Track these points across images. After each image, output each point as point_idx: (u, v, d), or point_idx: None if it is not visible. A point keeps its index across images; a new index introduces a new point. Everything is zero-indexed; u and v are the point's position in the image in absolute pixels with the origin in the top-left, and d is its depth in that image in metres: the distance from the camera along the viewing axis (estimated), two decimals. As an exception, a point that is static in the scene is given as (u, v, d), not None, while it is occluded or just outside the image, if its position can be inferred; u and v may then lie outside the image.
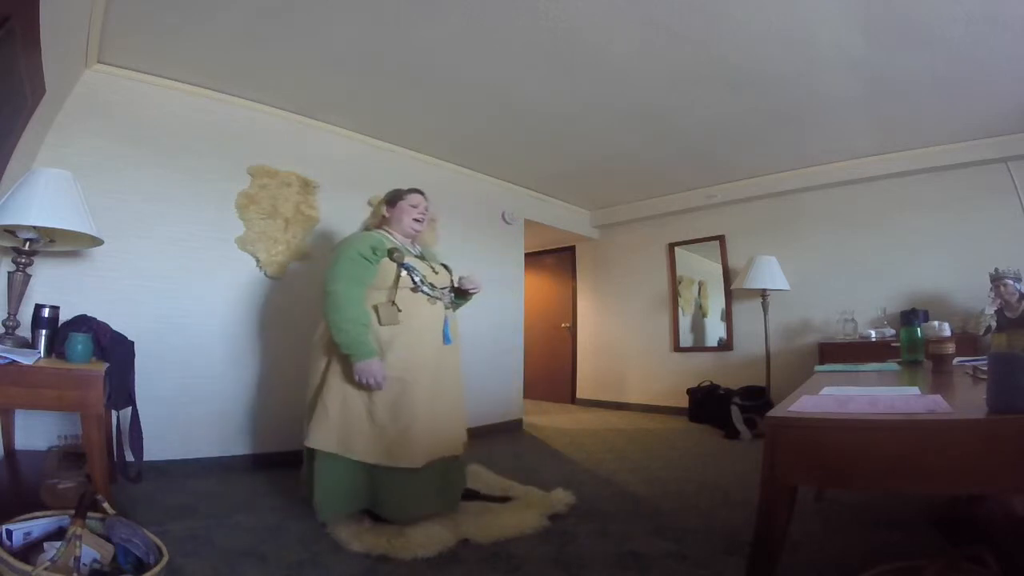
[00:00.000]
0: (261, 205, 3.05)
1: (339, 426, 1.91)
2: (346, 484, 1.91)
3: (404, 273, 1.99)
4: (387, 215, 2.19)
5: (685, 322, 5.15)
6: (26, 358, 1.61)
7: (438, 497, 1.99)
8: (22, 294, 1.93)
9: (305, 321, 3.19)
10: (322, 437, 1.90)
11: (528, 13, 2.33)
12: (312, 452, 1.96)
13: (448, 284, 2.19)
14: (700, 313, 5.13)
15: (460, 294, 2.29)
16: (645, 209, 5.33)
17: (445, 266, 2.26)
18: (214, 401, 2.83)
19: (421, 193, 2.24)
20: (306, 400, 2.09)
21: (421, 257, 2.18)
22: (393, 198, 2.21)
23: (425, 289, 2.03)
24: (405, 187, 2.26)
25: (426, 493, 1.94)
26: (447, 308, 2.12)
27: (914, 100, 3.10)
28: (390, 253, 2.00)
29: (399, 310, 1.96)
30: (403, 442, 1.89)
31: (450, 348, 2.10)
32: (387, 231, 2.18)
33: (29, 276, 1.96)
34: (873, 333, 3.73)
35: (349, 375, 1.92)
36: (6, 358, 1.56)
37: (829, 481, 1.26)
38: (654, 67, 2.78)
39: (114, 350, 2.03)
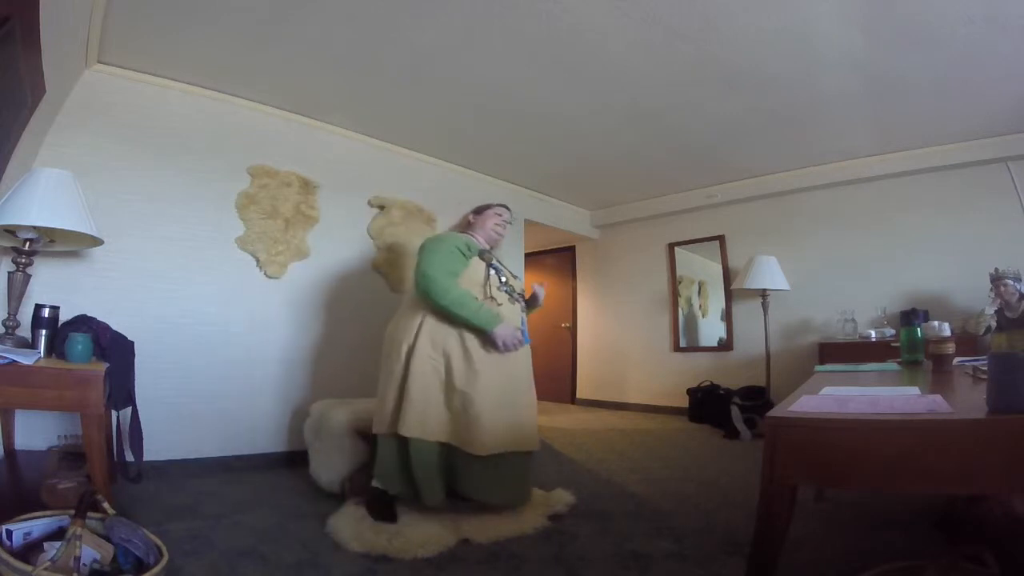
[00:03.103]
0: (261, 205, 3.05)
1: (419, 412, 1.98)
2: (436, 466, 1.98)
3: (492, 273, 2.14)
4: (472, 221, 2.36)
5: (685, 322, 5.15)
6: (26, 358, 1.61)
7: (506, 489, 2.05)
8: (22, 294, 1.93)
9: (305, 320, 3.21)
10: (408, 423, 1.96)
11: (528, 13, 2.33)
12: (398, 441, 2.01)
13: (522, 290, 2.34)
14: (700, 313, 5.13)
15: (527, 305, 2.43)
16: (645, 209, 5.33)
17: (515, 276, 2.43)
18: (214, 401, 2.82)
19: (508, 208, 2.42)
20: (378, 391, 2.14)
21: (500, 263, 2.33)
22: (481, 208, 2.39)
23: (507, 289, 2.17)
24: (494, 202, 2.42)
25: (495, 482, 2.00)
26: (523, 311, 2.26)
27: (914, 100, 3.10)
28: (481, 253, 2.16)
29: (499, 304, 2.11)
30: (472, 431, 1.96)
31: (524, 347, 2.22)
32: (472, 235, 2.32)
33: (29, 276, 1.96)
34: (873, 333, 3.73)
35: (432, 365, 2.02)
36: (6, 358, 1.56)
37: (829, 481, 1.26)
38: (654, 66, 2.78)
39: (114, 350, 2.03)
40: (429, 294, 2.01)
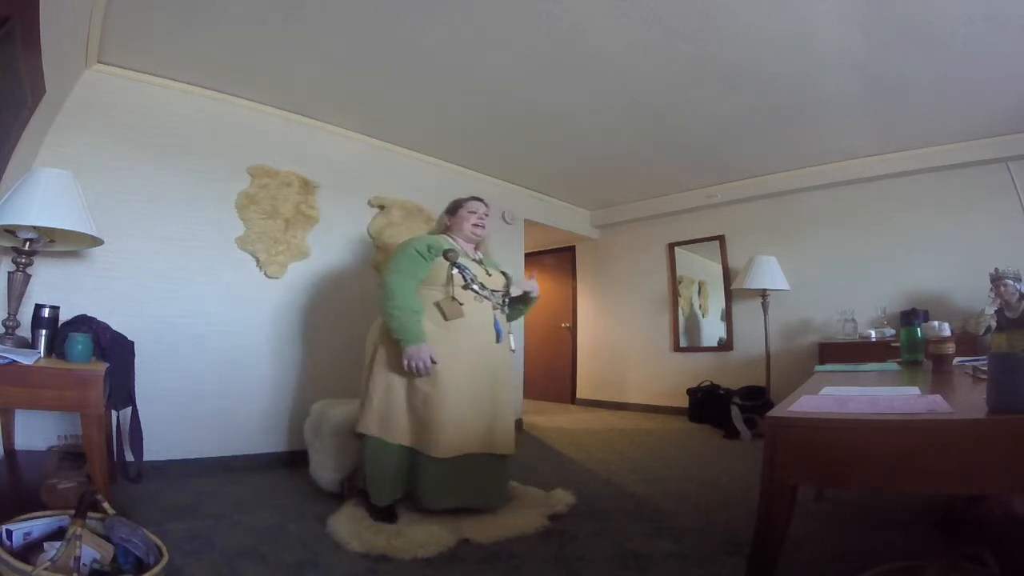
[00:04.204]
0: (261, 205, 3.05)
1: (381, 412, 2.00)
2: (391, 468, 1.98)
3: (456, 272, 2.07)
4: (449, 223, 2.29)
5: (685, 322, 5.15)
6: (26, 358, 1.61)
7: (467, 491, 2.01)
8: (22, 294, 1.93)
9: (305, 320, 3.21)
10: (367, 422, 2.01)
11: (528, 13, 2.32)
12: (363, 439, 2.05)
13: (502, 288, 2.24)
14: (700, 313, 5.13)
15: (520, 300, 2.35)
16: (645, 209, 5.33)
17: (504, 273, 2.32)
18: (214, 401, 2.82)
19: (480, 200, 2.32)
20: (360, 390, 2.18)
21: (480, 262, 2.23)
22: (453, 207, 2.30)
23: (475, 287, 2.10)
24: (465, 196, 2.34)
25: (454, 486, 1.97)
26: (495, 308, 2.17)
27: (914, 100, 3.10)
28: (445, 253, 2.08)
29: (461, 304, 2.05)
30: (432, 431, 1.95)
31: (499, 347, 2.16)
32: (451, 236, 2.26)
33: (29, 276, 1.96)
34: (873, 333, 3.73)
35: (394, 364, 2.01)
36: (6, 358, 1.56)
37: (829, 481, 1.26)
38: (654, 66, 2.78)
39: (114, 350, 2.03)
40: (380, 299, 2.04)
